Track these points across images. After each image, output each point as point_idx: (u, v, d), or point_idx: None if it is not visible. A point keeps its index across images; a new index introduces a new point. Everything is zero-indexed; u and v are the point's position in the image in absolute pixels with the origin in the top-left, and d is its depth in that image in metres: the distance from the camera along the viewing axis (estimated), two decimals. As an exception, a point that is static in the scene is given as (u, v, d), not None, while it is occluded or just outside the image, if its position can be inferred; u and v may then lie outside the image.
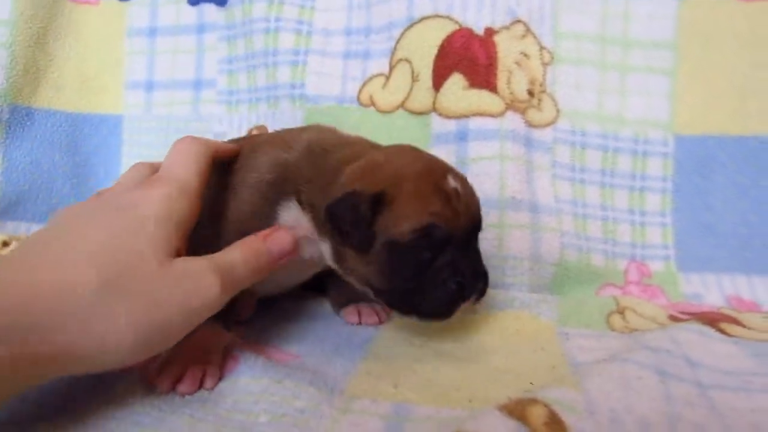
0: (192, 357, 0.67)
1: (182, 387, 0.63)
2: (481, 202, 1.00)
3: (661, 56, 1.09)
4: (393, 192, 0.70)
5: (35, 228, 1.37)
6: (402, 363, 0.72)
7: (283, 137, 0.83)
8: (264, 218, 0.77)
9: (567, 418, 0.53)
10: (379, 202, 0.69)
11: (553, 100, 1.09)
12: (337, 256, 0.75)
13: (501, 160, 1.02)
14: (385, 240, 0.69)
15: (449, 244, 0.71)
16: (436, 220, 0.69)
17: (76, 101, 1.39)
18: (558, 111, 1.09)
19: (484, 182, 1.01)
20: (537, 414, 0.53)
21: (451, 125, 1.05)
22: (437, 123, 1.06)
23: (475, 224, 0.75)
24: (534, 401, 0.56)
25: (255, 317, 0.90)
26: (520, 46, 1.09)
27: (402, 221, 0.69)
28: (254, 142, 0.85)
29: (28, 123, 1.34)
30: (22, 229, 1.36)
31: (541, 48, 1.10)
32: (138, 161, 0.75)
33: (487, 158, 1.02)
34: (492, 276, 0.97)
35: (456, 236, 0.71)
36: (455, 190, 0.73)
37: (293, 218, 0.77)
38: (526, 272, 0.99)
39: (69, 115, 1.38)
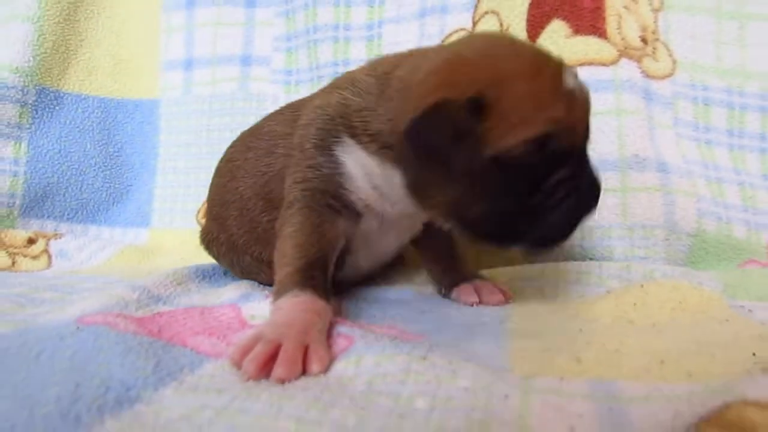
0: (286, 335, 0.49)
1: (278, 369, 0.45)
2: (598, 164, 0.85)
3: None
4: (494, 94, 0.53)
5: (63, 227, 1.22)
6: (564, 336, 0.55)
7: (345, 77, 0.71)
8: (326, 170, 0.65)
9: None
10: (476, 109, 0.53)
11: (668, 49, 0.94)
12: (415, 185, 0.60)
13: (618, 114, 0.86)
14: (490, 155, 0.53)
15: (570, 157, 0.57)
16: (556, 130, 0.54)
17: (110, 85, 1.25)
18: (675, 62, 0.94)
19: (599, 141, 0.86)
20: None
21: (555, 78, 0.90)
22: (537, 77, 0.91)
23: (588, 128, 0.62)
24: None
25: (338, 301, 0.74)
26: (627, -10, 0.94)
27: (510, 131, 0.53)
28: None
29: (57, 108, 1.19)
30: (49, 227, 1.20)
31: (649, -8, 0.95)
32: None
33: (602, 113, 0.86)
34: (618, 248, 0.82)
35: (576, 147, 0.58)
36: (574, 90, 0.57)
37: (355, 158, 0.64)
38: (660, 243, 0.82)
39: (101, 100, 1.24)
